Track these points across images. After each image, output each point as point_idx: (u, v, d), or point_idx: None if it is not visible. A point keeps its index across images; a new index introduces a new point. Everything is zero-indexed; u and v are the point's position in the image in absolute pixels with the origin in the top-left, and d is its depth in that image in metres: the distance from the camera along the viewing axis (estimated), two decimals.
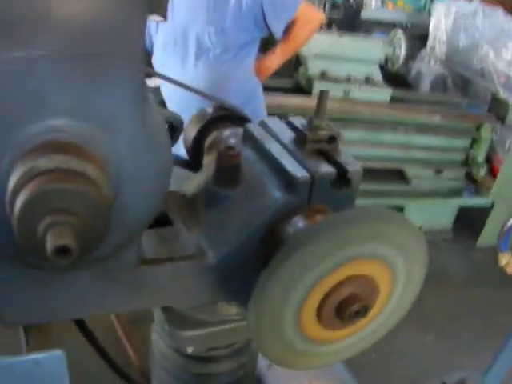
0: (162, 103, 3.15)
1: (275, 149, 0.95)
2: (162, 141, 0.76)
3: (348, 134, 4.35)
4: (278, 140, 0.97)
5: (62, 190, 0.63)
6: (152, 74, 1.39)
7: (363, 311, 0.83)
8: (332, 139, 0.94)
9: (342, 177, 0.90)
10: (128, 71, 0.69)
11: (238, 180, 0.93)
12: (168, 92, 3.04)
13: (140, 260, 0.86)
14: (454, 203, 5.00)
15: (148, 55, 3.19)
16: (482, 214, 4.96)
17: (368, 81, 4.41)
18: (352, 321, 0.84)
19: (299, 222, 0.86)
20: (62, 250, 0.60)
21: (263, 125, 1.02)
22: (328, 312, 0.83)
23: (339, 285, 0.82)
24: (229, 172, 0.93)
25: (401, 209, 4.73)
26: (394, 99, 4.58)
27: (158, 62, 3.05)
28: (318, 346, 0.90)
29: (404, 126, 4.54)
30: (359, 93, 4.34)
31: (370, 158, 4.51)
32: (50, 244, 0.60)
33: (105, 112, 0.68)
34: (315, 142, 0.94)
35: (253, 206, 0.90)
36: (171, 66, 2.99)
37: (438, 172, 4.85)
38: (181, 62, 2.98)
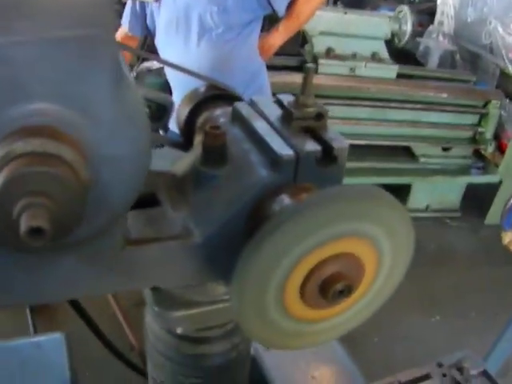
0: (166, 84, 3.15)
1: (261, 127, 0.94)
2: (140, 121, 0.76)
3: (355, 112, 4.33)
4: (265, 118, 0.97)
5: (37, 173, 0.63)
6: (150, 57, 1.38)
7: (347, 290, 0.82)
8: (319, 116, 0.93)
9: (328, 154, 0.89)
10: (103, 53, 0.68)
11: (224, 159, 0.93)
12: (172, 73, 3.04)
13: (126, 241, 0.86)
14: (462, 181, 4.97)
15: (151, 36, 3.19)
16: (491, 191, 4.94)
17: (374, 58, 4.37)
18: (336, 300, 0.83)
19: (285, 200, 0.86)
20: (36, 232, 0.60)
21: (252, 103, 1.02)
22: (312, 290, 0.82)
23: (323, 263, 0.81)
24: (215, 151, 0.92)
25: (408, 186, 4.72)
26: (400, 76, 4.54)
27: (161, 43, 3.04)
28: (303, 326, 0.90)
29: (411, 103, 4.51)
30: (365, 70, 4.30)
31: (377, 136, 4.50)
32: (24, 225, 0.61)
33: (81, 95, 0.68)
34: (302, 120, 0.93)
35: (238, 185, 0.90)
36: (174, 46, 2.98)
37: (446, 149, 4.82)
38: (183, 42, 2.97)
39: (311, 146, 0.90)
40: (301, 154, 0.87)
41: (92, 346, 1.89)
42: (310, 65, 0.93)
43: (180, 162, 1.02)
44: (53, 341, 1.53)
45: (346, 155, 0.92)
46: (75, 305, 1.45)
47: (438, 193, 4.92)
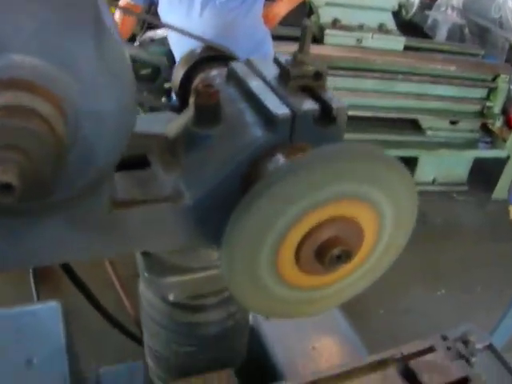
0: (169, 53, 3.11)
1: (257, 86, 0.90)
2: (124, 77, 0.72)
3: (361, 84, 4.27)
4: (262, 77, 0.93)
5: (9, 127, 0.59)
6: (154, 22, 1.34)
7: (345, 256, 0.79)
8: (318, 75, 0.89)
9: (327, 114, 0.85)
10: (82, 5, 0.64)
11: (218, 119, 0.89)
12: (175, 42, 3.00)
13: (113, 203, 0.83)
14: (470, 155, 4.91)
15: (154, 5, 3.14)
16: (498, 166, 4.89)
17: (381, 29, 4.29)
18: (334, 266, 0.80)
19: (280, 160, 0.82)
20: (5, 187, 0.57)
21: (248, 63, 0.98)
22: (307, 255, 0.79)
23: (319, 226, 0.77)
24: (208, 111, 0.89)
25: (415, 160, 4.67)
26: (408, 48, 4.47)
27: (164, 12, 2.99)
28: (299, 293, 0.87)
29: (418, 75, 4.43)
30: (372, 41, 4.23)
31: (383, 108, 4.44)
32: None
33: (59, 47, 0.64)
34: (300, 78, 0.89)
35: (232, 145, 0.86)
36: (177, 14, 2.93)
37: (453, 123, 4.75)
38: (186, 10, 2.92)
39: (309, 104, 0.86)
40: (297, 113, 0.84)
41: (92, 316, 1.87)
42: (307, 20, 0.88)
43: (173, 124, 0.98)
44: (49, 309, 1.51)
45: (346, 116, 0.87)
46: (72, 274, 1.43)
47: (444, 166, 4.87)
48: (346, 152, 0.76)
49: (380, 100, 4.41)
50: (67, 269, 1.39)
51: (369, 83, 4.31)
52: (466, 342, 1.32)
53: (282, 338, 1.49)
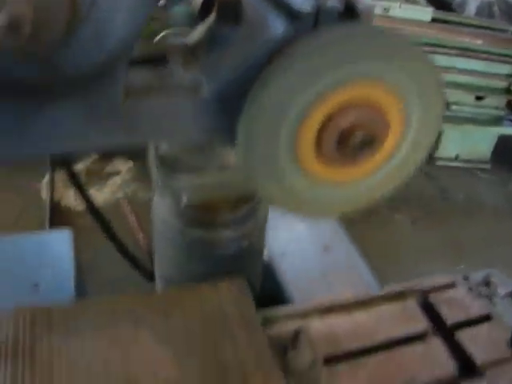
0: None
1: None
2: None
3: None
4: None
5: None
6: None
7: (369, 142, 0.75)
8: None
9: (352, 11, 0.82)
10: None
11: (239, 18, 0.86)
12: None
13: (128, 91, 0.80)
14: (494, 131, 4.83)
15: None
16: None
17: None
18: (356, 153, 0.76)
19: None
20: (15, 26, 0.54)
21: None
22: (329, 142, 0.76)
23: (340, 110, 0.74)
24: (229, 8, 0.86)
25: (438, 134, 4.61)
26: (435, 20, 4.39)
27: None
28: (320, 187, 0.83)
29: (445, 47, 4.36)
30: (399, 11, 4.16)
31: None
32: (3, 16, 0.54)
33: None
34: None
35: (253, 41, 0.83)
36: None
37: (479, 98, 4.68)
38: None
39: (333, 1, 0.82)
40: (321, 8, 0.80)
41: (106, 269, 1.87)
42: None
43: (193, 33, 0.96)
44: (59, 236, 1.50)
45: (373, 16, 0.84)
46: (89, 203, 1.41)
47: (468, 143, 4.80)
48: (371, 30, 0.76)
49: None
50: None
51: None
52: (488, 284, 1.29)
53: (298, 276, 1.47)
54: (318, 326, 1.05)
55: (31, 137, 0.80)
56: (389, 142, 0.81)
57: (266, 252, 1.43)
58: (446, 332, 1.11)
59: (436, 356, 1.06)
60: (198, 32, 0.94)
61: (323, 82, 0.72)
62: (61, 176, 4.04)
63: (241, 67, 0.81)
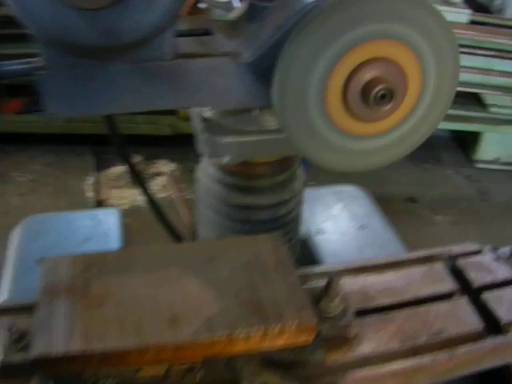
0: None
1: None
2: None
3: None
4: None
5: None
6: None
7: (389, 95, 0.84)
8: None
9: None
10: None
11: None
12: None
13: (176, 54, 0.91)
14: None
15: None
16: None
17: (447, 1, 4.26)
18: (378, 106, 0.85)
19: None
20: None
21: None
22: (353, 94, 0.84)
23: (363, 65, 0.84)
24: None
25: (478, 137, 4.62)
26: (473, 23, 4.41)
27: None
28: (348, 139, 0.92)
29: (483, 49, 4.37)
30: None
31: None
32: None
33: None
34: None
35: (287, 11, 0.92)
36: None
37: None
38: None
39: None
40: None
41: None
42: None
43: (236, 8, 1.06)
44: (108, 214, 1.60)
45: None
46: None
47: (509, 145, 4.79)
48: None
49: None
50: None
51: None
52: None
53: (334, 252, 1.54)
54: (350, 282, 1.12)
55: (89, 94, 0.91)
56: (408, 100, 0.90)
57: (303, 228, 1.51)
58: (472, 293, 1.16)
59: (461, 314, 1.11)
60: (239, 7, 1.03)
61: (347, 39, 0.82)
62: (106, 176, 4.19)
63: (276, 35, 0.91)
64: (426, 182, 4.53)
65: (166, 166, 4.29)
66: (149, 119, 4.39)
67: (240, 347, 0.88)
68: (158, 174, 4.14)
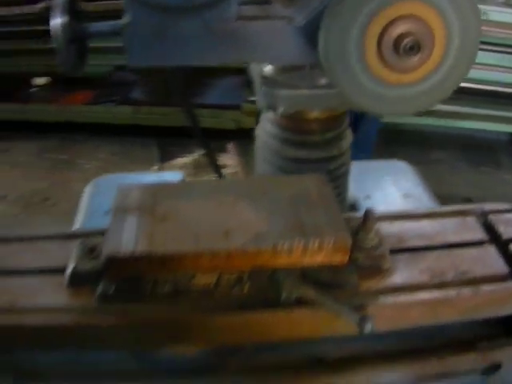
0: None
1: None
2: None
3: (482, 57, 4.31)
4: None
5: None
6: None
7: (417, 47, 0.99)
8: None
9: None
10: None
11: None
12: None
13: (239, 16, 1.09)
14: None
15: None
16: None
17: (507, 3, 4.31)
18: (408, 56, 1.00)
19: None
20: None
21: None
22: (386, 46, 1.01)
23: (394, 21, 1.00)
24: None
25: None
26: None
27: None
28: (384, 88, 1.07)
29: None
30: (497, 15, 4.26)
31: (504, 83, 4.44)
32: None
33: None
34: None
35: None
36: None
37: None
38: None
39: None
40: None
41: None
42: None
43: None
44: (173, 176, 1.78)
45: None
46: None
47: None
48: None
49: (502, 75, 4.43)
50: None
51: (491, 57, 4.35)
52: None
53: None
54: (387, 227, 1.25)
55: (162, 46, 1.07)
56: (434, 54, 1.04)
57: (352, 194, 1.65)
58: (501, 244, 1.26)
59: (488, 259, 1.21)
60: None
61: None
62: (169, 167, 4.38)
63: (324, 2, 1.06)
64: (483, 186, 4.56)
65: (230, 159, 4.46)
66: (213, 113, 4.57)
67: (283, 260, 1.03)
68: (223, 167, 4.32)
